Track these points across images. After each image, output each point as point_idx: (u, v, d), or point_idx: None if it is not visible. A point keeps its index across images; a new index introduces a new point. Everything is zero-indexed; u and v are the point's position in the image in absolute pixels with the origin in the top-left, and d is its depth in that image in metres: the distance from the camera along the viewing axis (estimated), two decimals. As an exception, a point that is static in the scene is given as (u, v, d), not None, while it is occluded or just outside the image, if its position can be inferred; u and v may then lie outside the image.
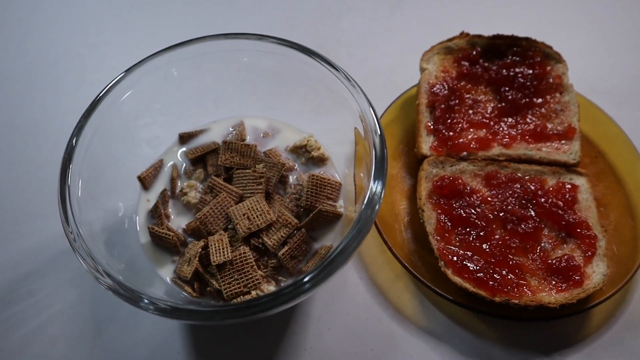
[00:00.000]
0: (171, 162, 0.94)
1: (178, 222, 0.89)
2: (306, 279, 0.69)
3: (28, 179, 1.08)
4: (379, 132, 0.80)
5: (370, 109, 0.82)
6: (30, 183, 1.08)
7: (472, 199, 0.96)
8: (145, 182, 0.91)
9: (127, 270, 0.79)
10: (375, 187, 0.75)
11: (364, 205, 0.74)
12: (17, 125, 1.16)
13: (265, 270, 0.83)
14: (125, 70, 0.87)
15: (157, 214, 0.88)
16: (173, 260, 0.85)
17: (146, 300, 0.69)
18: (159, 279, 0.84)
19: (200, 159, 0.93)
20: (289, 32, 1.28)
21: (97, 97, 0.84)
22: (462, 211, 0.94)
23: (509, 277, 0.88)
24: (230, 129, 0.97)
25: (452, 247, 0.91)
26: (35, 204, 1.04)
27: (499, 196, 0.97)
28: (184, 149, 0.95)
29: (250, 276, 0.80)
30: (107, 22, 1.35)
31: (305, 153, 0.93)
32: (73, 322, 0.93)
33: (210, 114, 0.98)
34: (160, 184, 0.92)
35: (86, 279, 0.96)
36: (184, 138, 0.96)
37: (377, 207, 0.74)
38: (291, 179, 0.91)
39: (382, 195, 0.75)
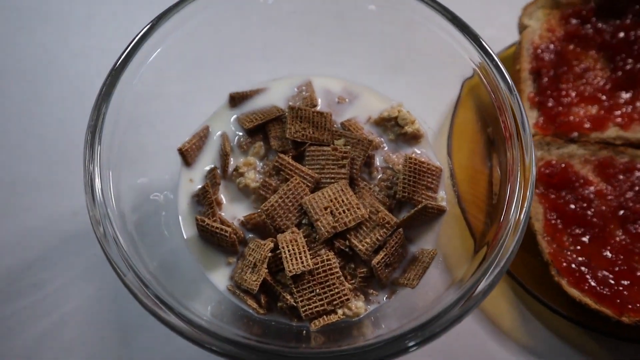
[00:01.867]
0: (220, 131, 0.69)
1: (232, 211, 0.65)
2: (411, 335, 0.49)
3: (26, 138, 0.81)
4: (516, 93, 0.56)
5: (497, 59, 0.58)
6: (31, 145, 0.81)
7: (585, 191, 0.75)
8: (188, 156, 0.66)
9: (164, 273, 0.56)
10: (525, 180, 0.53)
11: (513, 216, 0.51)
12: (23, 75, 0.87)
13: (352, 281, 0.60)
14: (161, 13, 0.60)
15: (206, 201, 0.63)
16: (229, 263, 0.62)
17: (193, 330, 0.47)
18: (209, 286, 0.61)
19: (259, 129, 0.68)
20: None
21: (128, 46, 0.58)
22: (575, 206, 0.73)
23: (637, 291, 0.69)
24: (296, 90, 0.71)
25: (567, 251, 0.71)
26: (39, 171, 0.78)
27: (616, 189, 0.76)
28: (236, 114, 0.70)
29: (336, 290, 0.58)
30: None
31: (395, 127, 0.68)
32: (92, 325, 0.70)
33: (268, 70, 0.72)
34: (207, 158, 0.67)
35: (107, 269, 0.72)
36: (236, 99, 0.70)
37: (527, 218, 0.52)
38: (377, 160, 0.67)
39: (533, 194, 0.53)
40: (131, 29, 0.61)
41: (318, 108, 0.70)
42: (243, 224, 0.64)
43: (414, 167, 0.64)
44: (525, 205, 0.52)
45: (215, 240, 0.62)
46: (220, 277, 0.62)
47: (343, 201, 0.61)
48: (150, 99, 0.63)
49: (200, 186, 0.65)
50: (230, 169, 0.66)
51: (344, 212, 0.60)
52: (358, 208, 0.60)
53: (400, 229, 0.61)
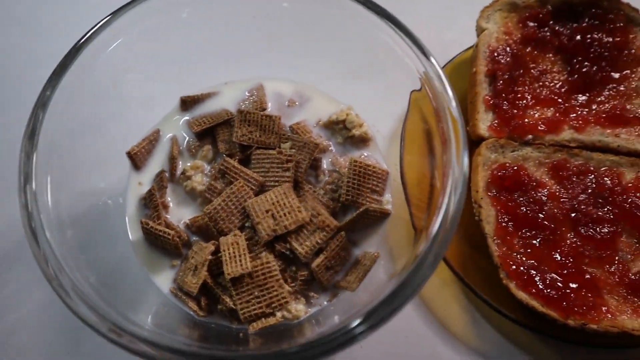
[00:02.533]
0: (170, 134, 0.69)
1: (179, 214, 0.65)
2: (356, 325, 0.49)
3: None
4: (454, 101, 0.56)
5: (439, 69, 0.58)
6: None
7: (538, 193, 0.74)
8: (137, 159, 0.66)
9: (108, 279, 0.56)
10: (457, 178, 0.53)
11: (444, 208, 0.51)
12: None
13: (293, 284, 0.61)
14: (113, 12, 0.60)
15: (152, 204, 0.64)
16: (173, 265, 0.63)
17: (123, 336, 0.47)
18: (153, 289, 0.61)
19: (208, 132, 0.68)
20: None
21: (76, 44, 0.58)
22: (527, 209, 0.73)
23: (584, 294, 0.69)
24: (247, 94, 0.71)
25: (516, 254, 0.70)
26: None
27: (570, 191, 0.76)
28: (187, 117, 0.70)
29: (275, 293, 0.58)
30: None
31: (344, 130, 0.69)
32: (44, 330, 0.70)
33: (220, 74, 0.72)
34: (156, 162, 0.68)
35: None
36: (187, 103, 0.70)
37: (459, 209, 0.52)
38: (325, 163, 0.68)
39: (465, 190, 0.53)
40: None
41: (268, 111, 0.70)
42: (188, 226, 0.64)
43: (359, 170, 0.64)
44: (454, 199, 0.52)
45: (159, 243, 0.62)
46: (165, 280, 0.62)
47: (285, 204, 0.61)
48: (97, 103, 0.63)
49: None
50: (179, 172, 0.67)
51: (284, 215, 0.60)
52: (299, 211, 0.61)
53: (342, 233, 0.61)
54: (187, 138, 0.69)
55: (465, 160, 0.54)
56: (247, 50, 0.73)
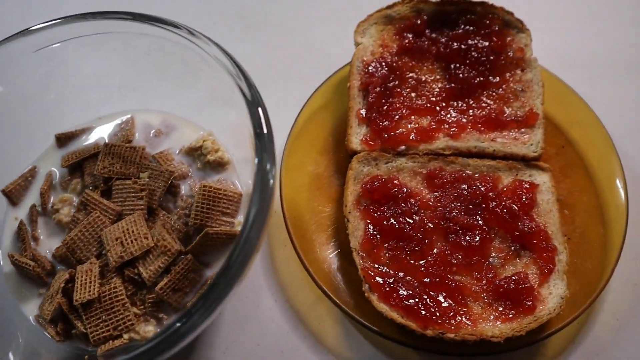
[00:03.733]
0: (47, 170, 0.76)
1: (50, 244, 0.71)
2: (176, 323, 0.53)
3: None
4: (252, 129, 0.60)
5: (255, 99, 0.63)
6: None
7: (408, 204, 0.76)
8: (12, 196, 0.73)
9: None
10: (258, 182, 0.56)
11: (249, 212, 0.55)
12: None
13: (142, 307, 0.65)
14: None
15: (21, 237, 0.70)
16: (40, 294, 0.68)
17: None
18: (22, 317, 0.67)
19: (77, 166, 0.75)
20: (211, 2, 1.05)
21: None
22: (394, 220, 0.75)
23: (447, 303, 0.70)
24: (118, 126, 0.77)
25: (380, 266, 0.73)
26: None
27: (442, 199, 0.77)
28: (63, 153, 0.76)
29: (121, 316, 0.63)
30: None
31: (202, 156, 0.73)
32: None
33: (93, 109, 0.78)
34: (32, 197, 0.74)
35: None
36: (62, 140, 0.76)
37: (264, 215, 0.55)
38: (183, 188, 0.72)
39: (270, 191, 0.56)
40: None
41: (134, 142, 0.75)
42: (54, 256, 0.70)
43: (208, 195, 0.68)
44: (253, 209, 0.56)
45: (25, 273, 0.68)
46: (32, 308, 0.68)
47: (133, 232, 0.66)
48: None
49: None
50: (50, 205, 0.73)
51: (132, 242, 0.65)
52: (145, 238, 0.65)
53: (189, 256, 0.66)
54: (60, 173, 0.75)
55: (271, 175, 0.57)
56: (118, 85, 0.79)
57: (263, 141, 0.58)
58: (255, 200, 0.56)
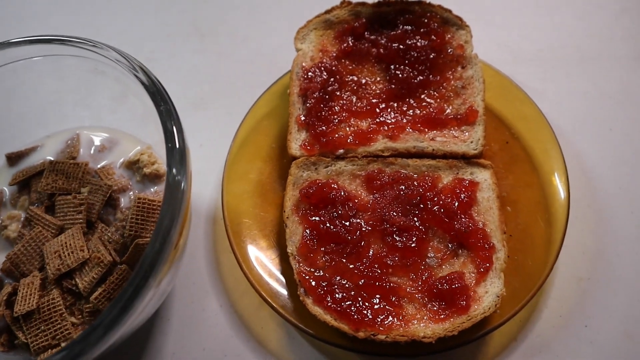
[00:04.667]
0: (-1, 189, 0.81)
1: (0, 259, 0.76)
2: (95, 325, 0.56)
3: None
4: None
5: (145, 75, 0.67)
6: None
7: (346, 207, 0.78)
8: (-34, 214, 0.78)
9: None
10: (168, 193, 0.60)
11: (159, 222, 0.58)
12: None
13: (80, 317, 0.69)
14: None
15: (-29, 253, 0.75)
16: (-11, 307, 0.74)
17: None
18: (-28, 328, 0.73)
19: (25, 184, 0.79)
20: (165, 13, 1.09)
21: None
22: (330, 224, 0.77)
23: (380, 305, 0.71)
24: (65, 144, 0.82)
25: (316, 270, 0.75)
26: None
27: (381, 201, 0.79)
28: (13, 172, 0.81)
29: (58, 326, 0.67)
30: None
31: (140, 169, 0.77)
32: None
33: (42, 127, 0.83)
34: (-16, 215, 0.79)
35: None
36: (12, 159, 0.81)
37: (171, 223, 0.58)
38: (123, 201, 0.76)
39: (179, 201, 0.60)
40: None
41: (79, 158, 0.80)
42: (2, 270, 0.75)
43: (142, 206, 0.72)
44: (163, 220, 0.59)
45: (-25, 287, 0.73)
46: (-20, 320, 0.73)
47: (70, 245, 0.70)
48: None
49: (-29, 240, 0.77)
50: (1, 222, 0.78)
51: (69, 254, 0.69)
52: (82, 250, 0.69)
53: (123, 266, 0.69)
54: (9, 191, 0.80)
55: (183, 183, 0.61)
56: (66, 103, 0.83)
57: (174, 154, 0.61)
58: (164, 209, 0.59)
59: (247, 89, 0.95)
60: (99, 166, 0.78)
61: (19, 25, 1.12)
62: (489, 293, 0.71)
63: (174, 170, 0.61)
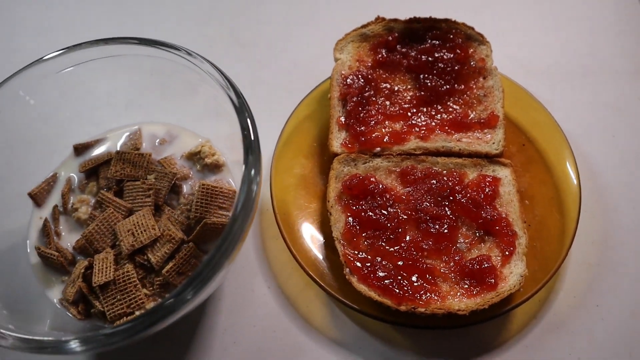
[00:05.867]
0: (67, 176, 0.90)
1: (70, 239, 0.85)
2: (178, 290, 0.65)
3: None
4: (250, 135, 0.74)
5: (234, 93, 0.77)
6: None
7: (384, 198, 0.89)
8: (38, 198, 0.87)
9: (11, 295, 0.76)
10: (249, 184, 0.70)
11: (235, 204, 0.68)
12: None
13: (151, 288, 0.78)
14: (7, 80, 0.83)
15: (45, 233, 0.84)
16: (62, 281, 0.82)
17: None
18: (47, 301, 0.81)
19: (93, 171, 0.89)
20: (207, 26, 1.21)
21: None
22: (371, 212, 0.88)
23: (418, 282, 0.82)
24: (127, 137, 0.92)
25: (359, 252, 0.85)
26: None
27: (414, 194, 0.90)
28: (80, 161, 0.91)
29: (133, 296, 0.76)
30: None
31: (200, 160, 0.87)
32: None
33: (107, 123, 0.93)
34: (54, 199, 0.88)
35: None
36: (79, 149, 0.91)
37: (250, 208, 0.69)
38: (185, 188, 0.86)
39: (254, 194, 0.70)
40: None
41: (141, 150, 0.90)
42: (75, 248, 0.83)
43: (207, 192, 0.82)
44: (240, 204, 0.69)
45: (50, 263, 0.82)
46: (56, 293, 0.81)
47: (142, 224, 0.80)
48: (3, 152, 0.85)
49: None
50: (70, 205, 0.87)
51: (141, 232, 0.79)
52: (153, 228, 0.79)
53: (191, 243, 0.79)
54: (78, 178, 0.89)
55: (255, 179, 0.71)
56: (127, 101, 0.94)
57: (250, 143, 0.72)
58: (241, 196, 0.69)
59: (286, 95, 1.07)
60: (161, 157, 0.89)
61: (69, 31, 1.24)
62: (513, 273, 0.83)
63: (250, 160, 0.71)
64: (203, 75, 0.80)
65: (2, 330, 0.68)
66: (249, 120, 0.74)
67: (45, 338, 0.66)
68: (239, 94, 0.77)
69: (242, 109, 0.75)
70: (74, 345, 0.65)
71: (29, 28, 1.27)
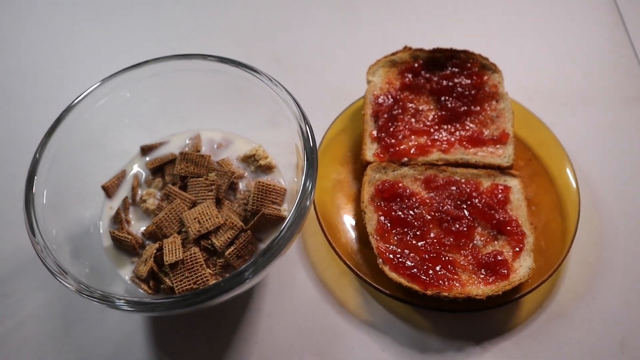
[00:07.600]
0: (134, 172, 1.05)
1: (138, 226, 1.00)
2: (241, 269, 0.80)
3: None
4: (311, 144, 0.91)
5: (305, 124, 0.93)
6: (3, 191, 1.19)
7: (411, 201, 1.06)
8: (109, 190, 1.02)
9: (92, 272, 0.91)
10: (305, 189, 0.86)
11: (295, 204, 0.85)
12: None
13: (214, 269, 0.93)
14: (91, 89, 0.99)
15: (118, 220, 0.99)
16: (132, 261, 0.96)
17: (104, 297, 0.80)
18: (119, 278, 0.95)
19: (159, 169, 1.05)
20: (247, 48, 1.40)
21: (62, 113, 0.96)
22: (400, 212, 1.05)
23: (442, 272, 0.98)
24: (188, 141, 1.08)
25: (390, 246, 1.01)
26: (7, 211, 1.16)
27: (437, 198, 1.07)
28: (145, 159, 1.07)
29: (199, 274, 0.91)
30: (77, 40, 1.48)
31: (254, 162, 1.04)
32: (44, 323, 1.03)
33: (169, 128, 1.09)
34: (123, 192, 1.03)
35: (57, 282, 1.07)
36: (145, 150, 1.07)
37: (306, 204, 0.85)
38: (241, 185, 1.02)
39: (311, 195, 0.86)
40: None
41: (201, 152, 1.06)
42: (143, 234, 0.98)
43: (262, 188, 0.98)
44: (300, 203, 0.86)
45: (122, 246, 0.96)
46: (127, 272, 0.95)
47: (207, 214, 0.95)
48: (85, 152, 1.01)
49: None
50: (138, 197, 1.02)
51: (207, 220, 0.94)
52: (217, 217, 0.94)
53: (249, 232, 0.95)
54: (145, 174, 1.05)
55: (310, 184, 0.88)
56: (189, 111, 1.10)
57: (309, 152, 0.89)
58: (299, 199, 0.86)
59: (321, 111, 1.24)
60: (218, 159, 1.05)
61: (128, 49, 1.42)
62: (522, 266, 0.99)
63: (309, 173, 0.88)
64: (268, 91, 0.97)
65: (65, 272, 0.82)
66: (309, 133, 0.92)
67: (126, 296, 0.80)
68: (303, 114, 0.94)
69: (304, 119, 0.92)
70: (167, 300, 0.80)
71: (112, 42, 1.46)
